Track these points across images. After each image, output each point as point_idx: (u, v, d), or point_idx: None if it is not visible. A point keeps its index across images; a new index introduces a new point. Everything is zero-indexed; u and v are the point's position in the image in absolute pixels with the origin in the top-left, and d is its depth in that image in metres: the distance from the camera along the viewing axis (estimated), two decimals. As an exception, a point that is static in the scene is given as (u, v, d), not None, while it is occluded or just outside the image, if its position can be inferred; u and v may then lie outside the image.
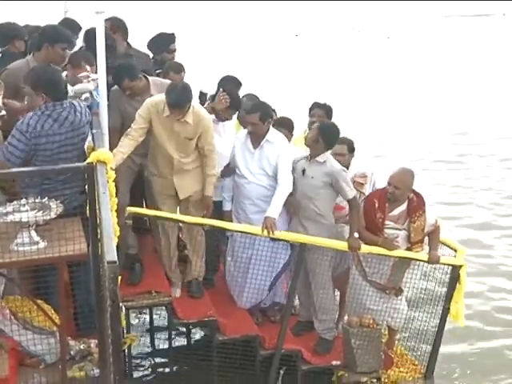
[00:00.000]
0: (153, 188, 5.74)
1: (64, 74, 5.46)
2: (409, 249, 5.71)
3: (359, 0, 39.86)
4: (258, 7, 41.39)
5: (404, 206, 5.68)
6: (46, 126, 4.39)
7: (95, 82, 4.92)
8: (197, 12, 39.73)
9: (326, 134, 5.61)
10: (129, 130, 5.44)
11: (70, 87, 5.03)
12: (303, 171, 5.65)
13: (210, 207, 5.73)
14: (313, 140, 5.63)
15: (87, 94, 4.81)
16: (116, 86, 5.63)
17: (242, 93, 6.36)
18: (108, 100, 4.92)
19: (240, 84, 6.45)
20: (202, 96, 6.42)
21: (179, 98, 5.34)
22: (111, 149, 5.15)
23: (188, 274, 5.94)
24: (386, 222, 5.65)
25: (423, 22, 37.90)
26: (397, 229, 5.66)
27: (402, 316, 5.95)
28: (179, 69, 6.40)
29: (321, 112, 6.31)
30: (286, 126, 6.12)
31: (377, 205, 5.66)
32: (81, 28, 6.27)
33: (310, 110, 6.40)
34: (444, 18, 39.82)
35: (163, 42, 6.79)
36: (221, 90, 5.93)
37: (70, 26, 6.10)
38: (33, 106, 4.48)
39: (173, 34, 6.87)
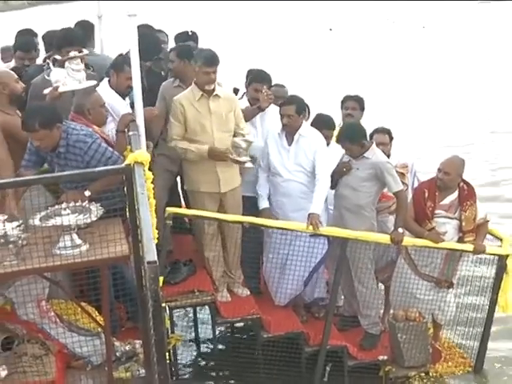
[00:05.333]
0: (195, 196, 5.69)
1: (104, 81, 5.48)
2: (460, 238, 5.66)
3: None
4: (292, 2, 41.25)
5: (455, 195, 5.64)
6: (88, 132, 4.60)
7: None
8: (231, 7, 39.76)
9: (349, 138, 5.59)
10: (168, 139, 5.55)
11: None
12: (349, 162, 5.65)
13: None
14: (346, 149, 5.66)
15: None
16: (168, 81, 5.91)
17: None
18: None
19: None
20: (235, 92, 6.39)
21: (214, 53, 5.49)
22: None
23: (230, 283, 5.90)
24: (437, 211, 5.62)
25: (459, 9, 37.23)
26: (448, 217, 5.60)
27: (451, 309, 5.86)
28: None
29: (354, 104, 6.27)
30: (325, 124, 6.01)
31: (427, 194, 5.63)
32: (93, 28, 6.36)
33: (343, 103, 6.38)
34: (480, 3, 39.05)
35: (183, 40, 6.78)
36: (265, 87, 5.87)
37: (85, 27, 6.19)
38: (50, 143, 4.47)
39: (189, 32, 6.90)
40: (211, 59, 5.45)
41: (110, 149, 4.55)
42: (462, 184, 5.69)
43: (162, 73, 6.32)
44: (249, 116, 5.83)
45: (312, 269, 5.76)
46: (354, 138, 5.59)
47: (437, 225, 5.60)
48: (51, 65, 4.90)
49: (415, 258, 5.75)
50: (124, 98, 5.39)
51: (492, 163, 11.97)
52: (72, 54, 4.75)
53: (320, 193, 5.56)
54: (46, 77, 4.93)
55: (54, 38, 5.49)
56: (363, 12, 38.44)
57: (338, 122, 6.38)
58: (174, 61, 5.88)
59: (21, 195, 4.35)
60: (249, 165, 5.62)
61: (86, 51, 5.17)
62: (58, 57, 4.96)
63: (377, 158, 5.59)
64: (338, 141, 5.84)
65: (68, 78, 4.73)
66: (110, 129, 5.11)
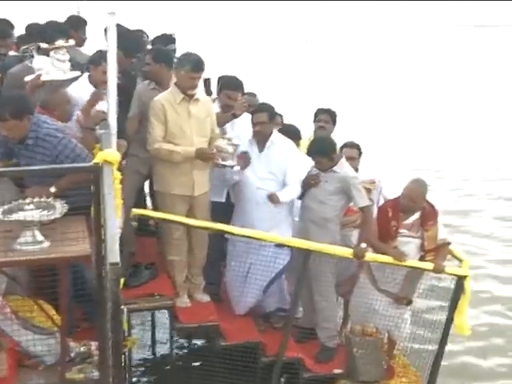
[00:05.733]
0: (166, 198, 5.60)
1: (84, 76, 5.41)
2: (422, 257, 5.71)
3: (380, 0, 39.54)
4: (269, 12, 41.44)
5: (418, 215, 5.68)
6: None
7: None
8: (211, 14, 39.84)
9: (319, 151, 5.63)
10: (152, 140, 5.42)
11: None
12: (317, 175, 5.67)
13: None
14: (316, 162, 5.68)
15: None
16: (144, 82, 5.84)
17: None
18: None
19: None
20: (206, 83, 6.40)
21: (201, 59, 5.48)
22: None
23: (192, 288, 5.86)
24: (400, 231, 5.65)
25: (453, 32, 37.81)
26: (411, 236, 5.66)
27: (408, 327, 5.91)
28: None
29: (326, 117, 6.37)
30: (292, 135, 6.08)
31: (390, 214, 5.66)
32: (86, 23, 6.31)
33: (315, 115, 6.46)
34: (459, 27, 39.71)
35: (164, 42, 6.77)
36: (239, 95, 5.89)
37: (76, 22, 6.15)
38: (19, 134, 4.42)
39: (172, 35, 6.90)
40: (199, 65, 5.45)
41: (80, 145, 4.52)
42: (424, 204, 5.75)
43: (133, 72, 6.28)
44: (222, 122, 5.83)
45: (271, 278, 5.76)
46: (324, 151, 5.62)
47: (399, 244, 5.65)
48: (35, 52, 4.83)
49: (376, 274, 5.80)
50: None
51: (459, 189, 12.17)
52: (58, 43, 4.70)
53: (289, 191, 5.62)
54: (29, 64, 4.86)
55: (37, 29, 5.42)
56: (339, 25, 38.76)
57: (310, 133, 6.44)
58: (149, 63, 5.85)
59: None
60: (236, 168, 5.60)
61: (72, 42, 5.12)
62: (43, 44, 4.89)
63: (345, 172, 5.63)
64: (308, 153, 5.87)
65: (52, 67, 4.68)
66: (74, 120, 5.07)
